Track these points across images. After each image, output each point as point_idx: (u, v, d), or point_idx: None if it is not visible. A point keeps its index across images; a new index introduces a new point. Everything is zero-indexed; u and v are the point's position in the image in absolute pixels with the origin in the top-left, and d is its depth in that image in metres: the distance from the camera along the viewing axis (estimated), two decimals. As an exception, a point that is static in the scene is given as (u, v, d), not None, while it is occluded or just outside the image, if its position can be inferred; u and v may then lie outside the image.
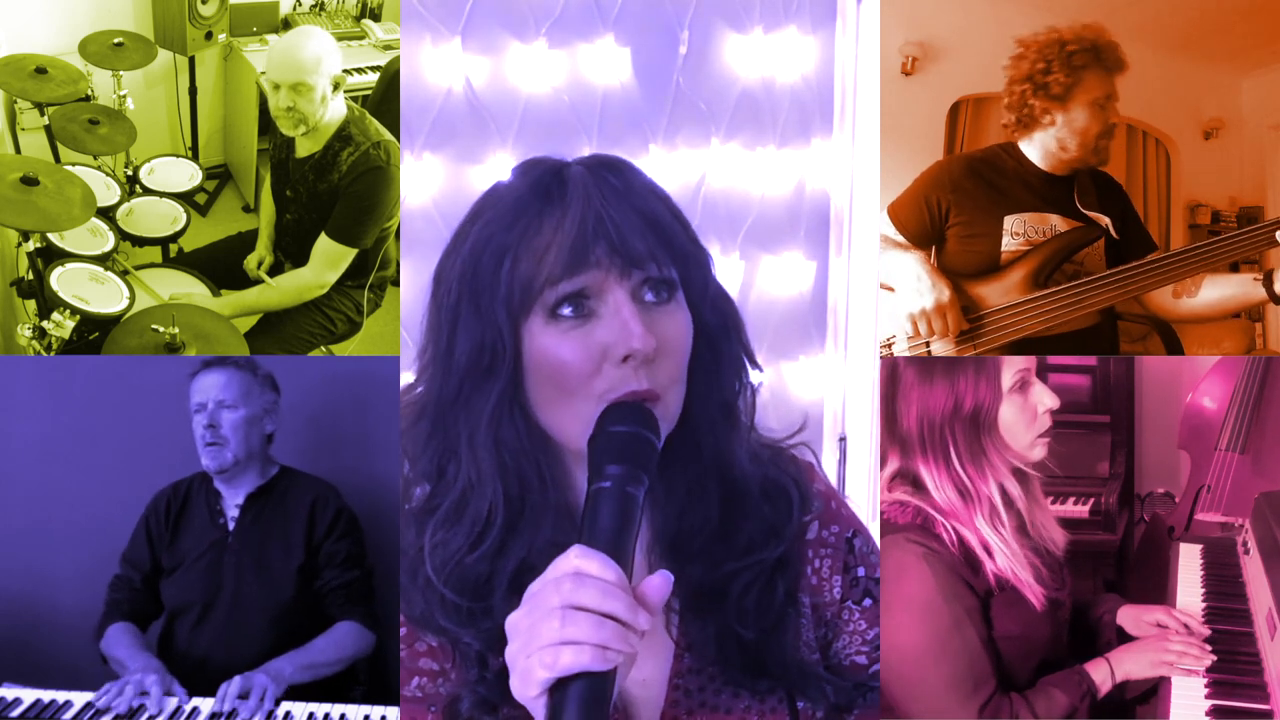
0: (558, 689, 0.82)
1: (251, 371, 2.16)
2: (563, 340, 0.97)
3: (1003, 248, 2.17)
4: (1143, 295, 2.20)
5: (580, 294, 0.97)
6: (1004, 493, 1.56)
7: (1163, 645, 1.63)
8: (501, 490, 1.01)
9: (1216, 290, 2.16)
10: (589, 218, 0.97)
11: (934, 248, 2.25)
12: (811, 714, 1.10)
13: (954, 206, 2.19)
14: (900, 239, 2.23)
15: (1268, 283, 2.06)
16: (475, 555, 1.01)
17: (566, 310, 0.97)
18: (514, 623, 0.85)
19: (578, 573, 0.84)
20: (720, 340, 1.06)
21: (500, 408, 1.00)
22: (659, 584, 0.86)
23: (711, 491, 1.06)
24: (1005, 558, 1.53)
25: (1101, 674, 1.59)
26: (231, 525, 2.13)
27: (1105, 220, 2.21)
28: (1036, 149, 2.20)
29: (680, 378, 1.00)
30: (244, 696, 1.83)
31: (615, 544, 0.87)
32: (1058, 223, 2.18)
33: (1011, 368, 1.57)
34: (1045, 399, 1.58)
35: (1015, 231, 2.16)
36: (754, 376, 1.10)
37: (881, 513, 1.59)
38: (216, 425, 2.10)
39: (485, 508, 1.01)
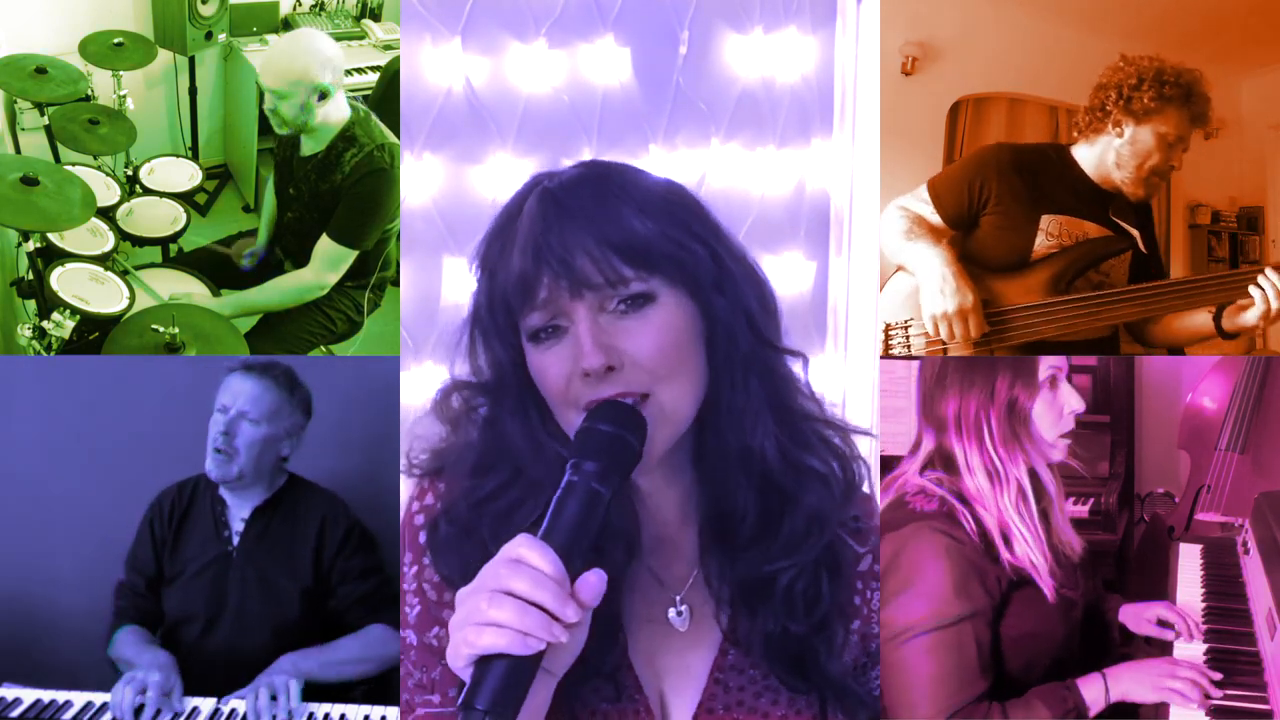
0: (481, 665, 0.87)
1: (289, 391, 2.07)
2: (543, 358, 1.03)
3: (1035, 245, 2.18)
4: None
5: (549, 319, 1.02)
6: (1034, 478, 1.59)
7: (1171, 670, 1.59)
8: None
9: (1178, 320, 2.20)
10: (528, 251, 1.01)
11: (964, 233, 2.26)
12: None
13: (994, 195, 2.20)
14: (935, 218, 2.23)
15: (1216, 318, 2.11)
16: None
17: (542, 334, 1.03)
18: (460, 596, 0.90)
19: (516, 559, 0.89)
20: (737, 330, 1.07)
21: (530, 420, 1.07)
22: (594, 581, 0.90)
23: (741, 482, 1.07)
24: (1024, 544, 1.55)
25: (1094, 692, 1.57)
26: (236, 539, 2.07)
27: (1135, 233, 2.21)
28: (1092, 157, 2.21)
29: (676, 373, 1.02)
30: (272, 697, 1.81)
31: (570, 537, 0.91)
32: (1092, 231, 2.19)
33: (1046, 363, 1.60)
34: (1072, 400, 1.61)
35: (1050, 232, 2.18)
36: (796, 365, 1.11)
37: (906, 501, 1.60)
38: (231, 435, 2.01)
39: (542, 504, 1.04)
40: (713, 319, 1.05)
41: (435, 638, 1.09)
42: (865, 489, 1.19)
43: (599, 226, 1.01)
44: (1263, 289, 2.02)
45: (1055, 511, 1.62)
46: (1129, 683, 1.58)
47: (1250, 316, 2.06)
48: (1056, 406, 1.60)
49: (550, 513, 0.93)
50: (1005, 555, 1.54)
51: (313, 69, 2.25)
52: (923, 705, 1.50)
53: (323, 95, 2.27)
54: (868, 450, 1.20)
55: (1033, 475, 1.60)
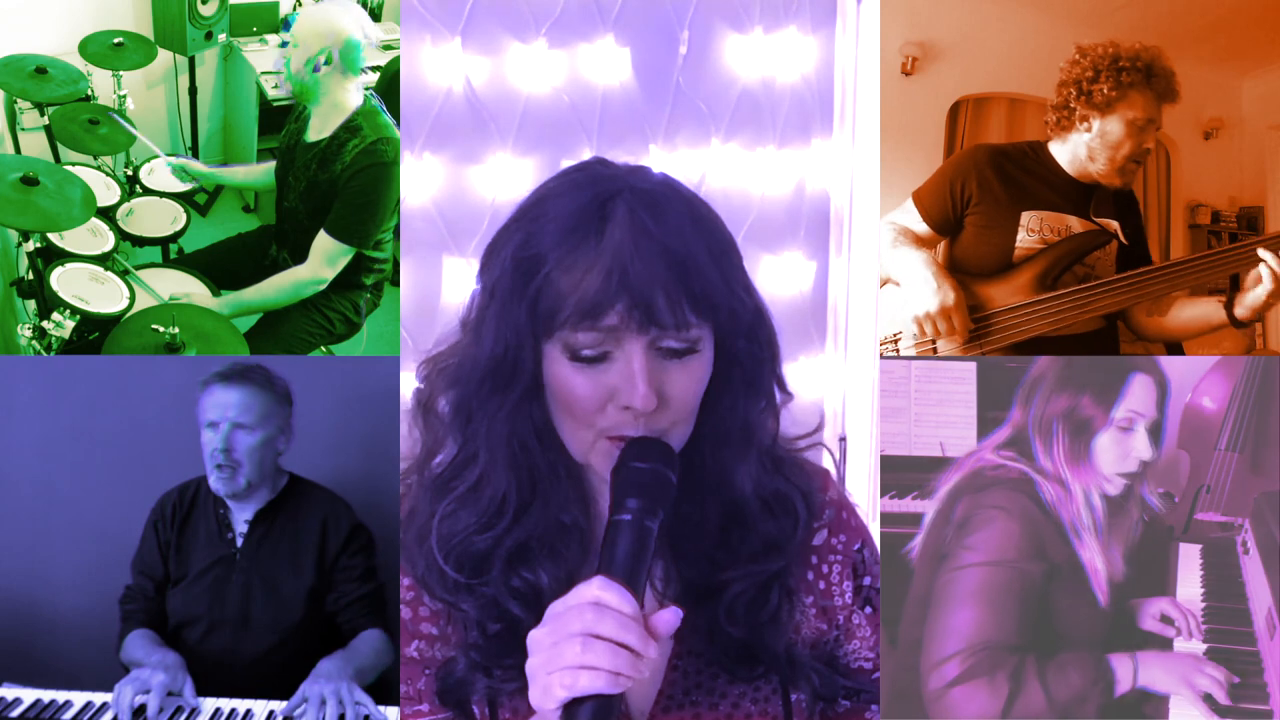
0: (572, 705, 0.91)
1: (270, 389, 2.03)
2: (576, 374, 1.01)
3: (1017, 243, 2.19)
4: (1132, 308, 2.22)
5: (601, 343, 1.00)
6: (1087, 499, 1.62)
7: (1199, 667, 1.60)
8: (514, 482, 1.06)
9: (1185, 311, 2.21)
10: (615, 272, 0.98)
11: (950, 238, 2.27)
12: (805, 705, 1.14)
13: (975, 194, 2.22)
14: (921, 227, 2.25)
15: (1229, 308, 2.11)
16: (484, 536, 1.07)
17: (585, 352, 1.00)
18: (536, 639, 0.94)
19: (598, 603, 0.93)
20: (754, 368, 1.08)
21: (518, 411, 1.05)
22: (669, 619, 0.95)
23: (709, 505, 1.10)
24: (1091, 552, 1.59)
25: (1125, 670, 1.58)
26: (239, 541, 2.06)
27: (1115, 225, 2.22)
28: (1066, 153, 2.22)
29: (688, 417, 1.04)
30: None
31: (631, 572, 0.96)
32: (1074, 225, 2.20)
33: (1130, 405, 1.64)
34: (1143, 450, 1.65)
35: (1031, 228, 2.19)
36: (781, 399, 1.13)
37: (984, 472, 1.66)
38: (231, 449, 1.98)
39: (499, 495, 1.07)
40: (730, 360, 1.06)
41: (415, 650, 1.13)
42: (822, 464, 1.22)
43: (680, 266, 1.00)
44: (1269, 265, 2.01)
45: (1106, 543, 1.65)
46: (1157, 671, 1.58)
47: (1260, 294, 2.03)
48: (1125, 447, 1.64)
49: (604, 552, 0.97)
50: (1076, 544, 1.59)
51: (332, 30, 2.22)
52: (954, 637, 1.54)
53: (328, 60, 2.23)
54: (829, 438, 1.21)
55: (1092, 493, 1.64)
